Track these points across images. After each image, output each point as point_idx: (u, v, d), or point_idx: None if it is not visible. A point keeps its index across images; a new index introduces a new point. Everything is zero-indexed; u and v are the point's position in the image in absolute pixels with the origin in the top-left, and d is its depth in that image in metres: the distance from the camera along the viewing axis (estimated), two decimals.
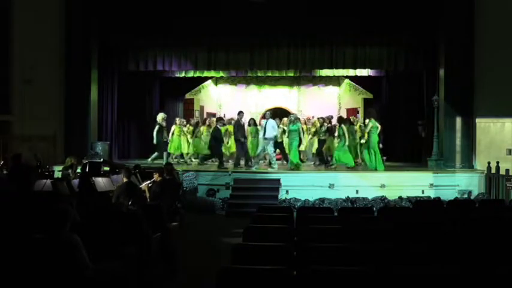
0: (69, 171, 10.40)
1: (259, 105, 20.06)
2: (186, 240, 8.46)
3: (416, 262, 4.63)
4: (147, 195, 9.16)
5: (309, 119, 17.06)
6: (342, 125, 13.92)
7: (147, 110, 18.57)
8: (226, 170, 13.31)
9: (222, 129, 14.62)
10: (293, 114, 14.68)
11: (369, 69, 16.15)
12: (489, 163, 12.73)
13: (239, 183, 12.67)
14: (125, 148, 17.46)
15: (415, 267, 4.29)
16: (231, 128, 15.31)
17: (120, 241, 5.51)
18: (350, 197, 12.09)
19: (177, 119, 16.11)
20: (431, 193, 12.40)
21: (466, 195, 12.46)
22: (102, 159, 12.88)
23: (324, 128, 14.77)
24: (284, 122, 15.10)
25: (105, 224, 5.71)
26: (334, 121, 15.43)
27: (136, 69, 15.80)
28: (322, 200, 11.98)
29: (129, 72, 16.16)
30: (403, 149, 16.99)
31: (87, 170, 10.84)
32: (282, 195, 12.32)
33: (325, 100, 19.90)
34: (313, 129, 15.85)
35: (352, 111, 19.62)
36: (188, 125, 16.01)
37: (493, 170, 12.51)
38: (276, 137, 13.51)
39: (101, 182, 9.89)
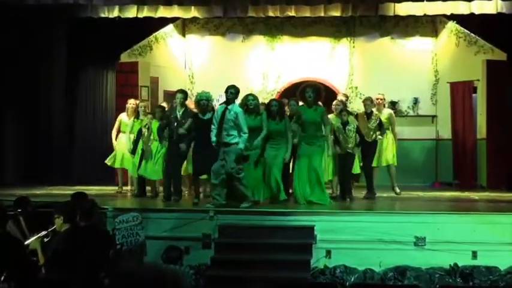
0: None
1: (271, 76, 19.51)
2: None
3: None
4: (40, 259, 9.06)
5: (378, 103, 16.16)
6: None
7: (40, 87, 17.80)
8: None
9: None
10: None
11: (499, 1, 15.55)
12: None
13: (230, 235, 12.05)
14: None
15: None
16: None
17: None
18: (460, 264, 11.53)
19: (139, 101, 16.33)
20: None
21: None
22: None
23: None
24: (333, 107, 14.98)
25: None
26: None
27: (19, 3, 15.11)
28: (401, 270, 11.46)
29: (5, 9, 15.48)
30: None
31: None
32: (319, 259, 11.80)
33: (406, 66, 19.12)
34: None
35: (462, 87, 18.62)
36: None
37: None
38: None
39: None
